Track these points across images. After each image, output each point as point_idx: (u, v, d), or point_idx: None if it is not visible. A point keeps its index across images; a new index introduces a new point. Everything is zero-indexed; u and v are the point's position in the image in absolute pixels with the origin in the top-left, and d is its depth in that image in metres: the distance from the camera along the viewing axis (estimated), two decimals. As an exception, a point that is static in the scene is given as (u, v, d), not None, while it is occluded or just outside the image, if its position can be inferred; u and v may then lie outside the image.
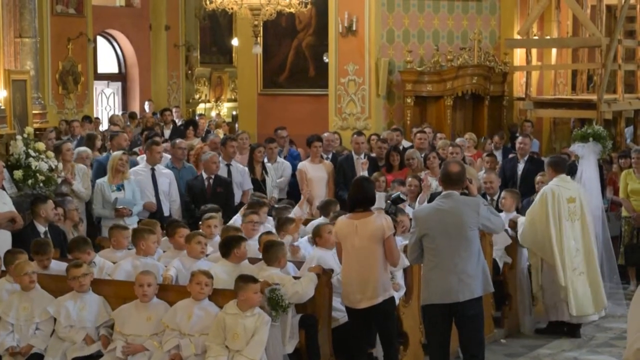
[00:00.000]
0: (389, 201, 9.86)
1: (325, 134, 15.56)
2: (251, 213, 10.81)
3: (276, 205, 12.23)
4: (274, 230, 10.43)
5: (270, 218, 11.31)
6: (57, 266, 9.64)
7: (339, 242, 8.87)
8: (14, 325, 9.07)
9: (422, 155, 14.17)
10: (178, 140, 14.11)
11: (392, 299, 8.84)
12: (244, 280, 8.46)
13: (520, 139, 14.91)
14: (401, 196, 9.70)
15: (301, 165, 14.43)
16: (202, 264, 9.43)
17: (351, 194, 8.98)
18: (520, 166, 14.25)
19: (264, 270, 8.95)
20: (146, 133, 17.07)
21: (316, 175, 14.20)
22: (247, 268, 9.14)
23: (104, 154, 14.08)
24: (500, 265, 11.42)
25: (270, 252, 9.07)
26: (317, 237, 9.61)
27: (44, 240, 10.11)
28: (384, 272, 8.73)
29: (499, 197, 12.42)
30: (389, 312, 8.82)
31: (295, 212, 11.53)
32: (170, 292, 8.94)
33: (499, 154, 15.90)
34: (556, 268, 11.19)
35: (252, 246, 9.82)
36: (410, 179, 12.91)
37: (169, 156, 14.23)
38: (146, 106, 24.31)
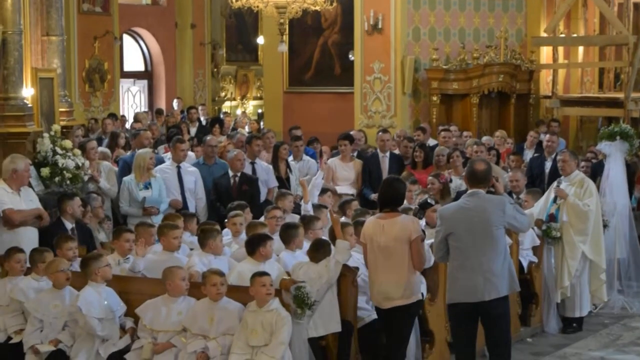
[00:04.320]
0: (417, 206, 9.79)
1: (352, 132, 15.55)
2: (273, 208, 10.82)
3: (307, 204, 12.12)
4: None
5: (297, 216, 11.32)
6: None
7: (364, 243, 8.77)
8: (44, 322, 9.11)
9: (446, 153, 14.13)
10: (209, 138, 14.21)
11: (418, 302, 8.76)
12: (254, 275, 8.50)
13: (547, 136, 14.85)
14: (429, 201, 9.61)
15: (330, 162, 14.43)
16: (221, 261, 9.44)
17: (380, 194, 8.90)
18: (548, 164, 14.19)
19: (304, 265, 8.95)
20: (170, 131, 17.12)
21: (343, 173, 14.19)
22: (272, 266, 9.13)
23: (129, 153, 14.11)
24: (525, 264, 11.38)
25: (320, 251, 8.97)
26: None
27: (64, 235, 10.19)
28: (411, 273, 8.61)
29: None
30: (410, 316, 8.74)
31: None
32: (196, 289, 8.93)
33: (531, 153, 15.86)
34: (600, 259, 11.61)
35: (277, 242, 9.80)
36: (430, 177, 12.84)
37: (193, 154, 14.32)
38: (174, 104, 24.36)
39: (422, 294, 9.61)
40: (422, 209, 9.53)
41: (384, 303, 8.62)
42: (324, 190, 12.09)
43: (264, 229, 10.01)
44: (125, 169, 13.08)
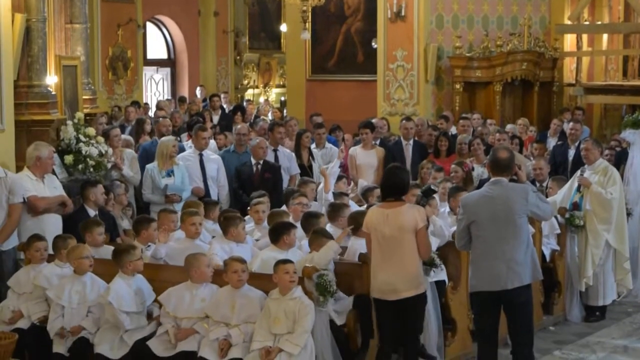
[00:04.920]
0: (420, 193, 9.63)
1: (374, 120, 15.55)
2: (300, 195, 10.82)
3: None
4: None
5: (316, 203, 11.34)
6: (106, 250, 9.72)
7: (368, 232, 8.61)
8: (65, 308, 9.16)
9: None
10: (239, 126, 14.35)
11: (422, 295, 8.54)
12: (277, 263, 8.49)
13: (571, 124, 14.82)
14: (432, 187, 9.37)
15: (352, 150, 14.43)
16: (243, 248, 9.46)
17: (383, 183, 8.80)
18: (571, 152, 14.16)
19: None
20: (193, 119, 17.17)
21: (365, 161, 14.17)
22: (295, 254, 9.14)
23: (149, 140, 14.16)
24: (547, 252, 11.35)
25: (313, 237, 9.07)
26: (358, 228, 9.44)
27: (93, 219, 10.27)
28: (418, 263, 8.47)
29: (548, 183, 12.38)
30: (417, 308, 8.53)
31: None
32: (218, 276, 8.94)
33: (554, 141, 15.82)
34: (624, 248, 11.52)
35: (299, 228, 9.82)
36: (453, 165, 12.79)
37: (214, 142, 14.39)
38: (198, 92, 24.39)
39: (445, 281, 9.61)
40: (425, 196, 9.31)
41: (390, 295, 8.43)
42: (339, 178, 12.11)
43: (287, 218, 10.03)
44: (144, 156, 13.14)
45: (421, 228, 8.39)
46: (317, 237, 9.10)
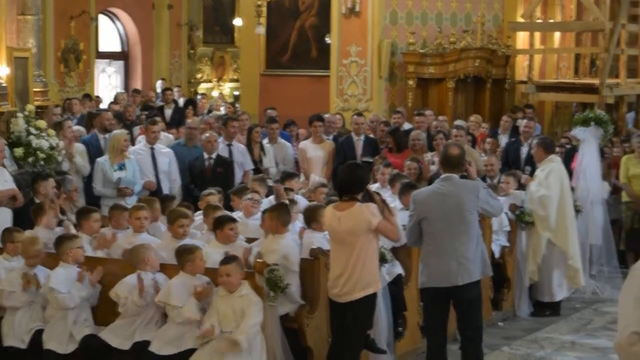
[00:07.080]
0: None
1: (327, 115, 15.56)
2: (252, 191, 10.77)
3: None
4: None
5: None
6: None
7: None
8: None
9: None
10: (189, 120, 14.28)
11: (370, 297, 8.20)
12: (222, 261, 8.36)
13: (524, 122, 14.93)
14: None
15: (302, 144, 14.46)
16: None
17: (339, 179, 8.57)
18: (524, 149, 14.25)
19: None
20: (146, 113, 17.08)
21: (316, 155, 14.20)
22: (237, 249, 9.04)
23: (89, 135, 14.05)
24: (495, 249, 11.40)
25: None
26: (313, 222, 9.29)
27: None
28: (365, 266, 8.11)
29: (499, 179, 12.45)
30: (362, 311, 8.22)
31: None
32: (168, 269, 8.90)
33: (505, 137, 15.90)
34: (567, 245, 11.57)
35: (250, 225, 9.77)
36: (408, 162, 12.78)
37: (171, 135, 14.32)
38: (158, 85, 24.22)
39: (402, 274, 9.60)
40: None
41: (339, 297, 8.22)
42: (292, 175, 12.10)
43: (220, 212, 9.94)
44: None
45: (377, 224, 8.07)
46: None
